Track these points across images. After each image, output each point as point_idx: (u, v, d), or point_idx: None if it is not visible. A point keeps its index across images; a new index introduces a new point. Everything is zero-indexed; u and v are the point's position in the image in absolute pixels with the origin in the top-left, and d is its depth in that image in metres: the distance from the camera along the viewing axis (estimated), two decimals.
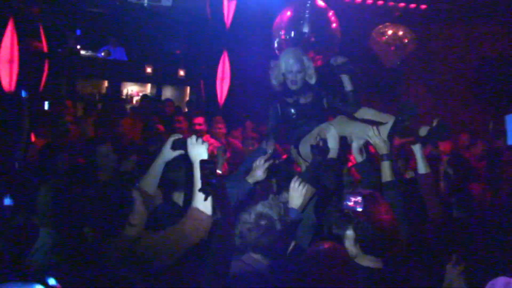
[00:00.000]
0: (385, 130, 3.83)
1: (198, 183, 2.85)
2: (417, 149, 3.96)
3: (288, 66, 4.49)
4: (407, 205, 3.41)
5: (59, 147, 4.95)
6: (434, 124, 3.92)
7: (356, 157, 3.86)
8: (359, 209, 2.53)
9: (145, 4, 7.00)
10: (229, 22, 8.76)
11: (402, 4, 8.48)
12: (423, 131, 4.00)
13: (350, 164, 4.49)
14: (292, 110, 4.63)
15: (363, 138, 3.88)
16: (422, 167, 3.98)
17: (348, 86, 4.42)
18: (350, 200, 2.56)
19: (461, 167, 4.81)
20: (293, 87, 4.56)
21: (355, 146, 3.89)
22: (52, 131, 6.23)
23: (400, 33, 8.80)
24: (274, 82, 4.64)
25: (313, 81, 4.62)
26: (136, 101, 11.42)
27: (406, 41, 8.80)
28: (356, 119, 4.29)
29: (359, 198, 2.54)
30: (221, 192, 2.86)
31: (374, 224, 2.50)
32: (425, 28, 9.47)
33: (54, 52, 9.15)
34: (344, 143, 4.18)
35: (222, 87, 8.78)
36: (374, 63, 9.44)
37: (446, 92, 10.18)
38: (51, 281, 2.10)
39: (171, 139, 3.17)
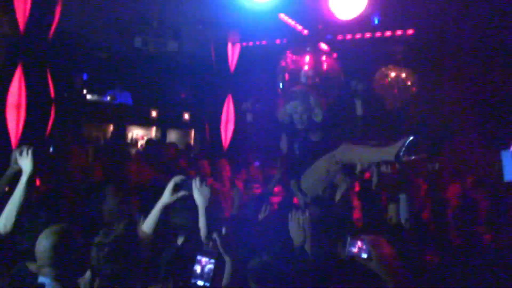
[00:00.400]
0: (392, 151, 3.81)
1: (203, 228, 2.84)
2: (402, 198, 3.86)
3: (295, 106, 4.58)
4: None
5: (63, 192, 4.94)
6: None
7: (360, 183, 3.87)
8: (364, 255, 2.48)
9: (151, 49, 7.12)
10: (234, 66, 8.88)
11: (404, 47, 8.58)
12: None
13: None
14: (299, 147, 4.70)
15: (368, 162, 3.89)
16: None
17: (359, 110, 4.51)
18: (354, 246, 2.51)
19: (469, 214, 4.78)
20: (300, 126, 4.64)
21: (359, 170, 3.89)
22: (57, 176, 6.23)
23: (403, 75, 8.88)
24: (282, 121, 4.74)
25: (319, 119, 4.68)
26: (141, 144, 11.46)
27: (409, 83, 8.86)
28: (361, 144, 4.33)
29: (363, 243, 2.50)
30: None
31: (381, 270, 2.45)
32: (427, 70, 9.55)
33: (60, 96, 9.24)
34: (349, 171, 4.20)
35: (227, 130, 8.83)
36: (377, 103, 9.48)
37: (451, 133, 10.17)
38: None
39: (173, 182, 3.18)
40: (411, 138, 3.80)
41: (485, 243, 5.01)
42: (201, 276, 2.67)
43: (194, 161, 8.17)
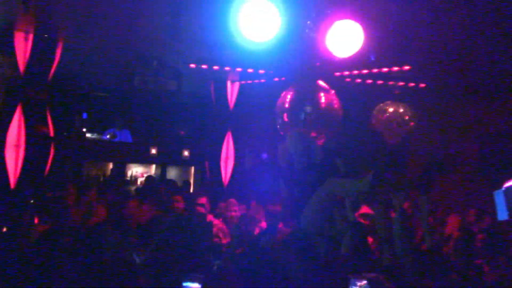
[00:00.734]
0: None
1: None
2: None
3: (294, 148, 4.66)
4: None
5: (61, 232, 4.91)
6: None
7: (349, 214, 3.92)
8: None
9: (150, 88, 7.19)
10: (233, 104, 8.94)
11: (401, 83, 8.65)
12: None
13: None
14: (296, 188, 4.76)
15: (347, 193, 3.99)
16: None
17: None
18: (355, 285, 2.51)
19: (469, 245, 4.76)
20: (299, 167, 4.67)
21: (348, 203, 3.96)
22: (55, 215, 6.20)
23: (401, 110, 8.92)
24: (281, 162, 4.81)
25: (318, 160, 4.73)
26: (141, 182, 11.45)
27: (407, 118, 8.90)
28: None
29: (364, 282, 2.49)
30: None
31: None
32: (424, 105, 9.62)
33: (60, 135, 9.29)
34: None
35: (227, 167, 8.82)
36: (376, 140, 9.51)
37: (450, 167, 10.19)
38: None
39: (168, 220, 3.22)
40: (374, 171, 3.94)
41: (484, 274, 4.97)
42: None
43: (194, 198, 8.13)
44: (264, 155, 8.47)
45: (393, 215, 4.50)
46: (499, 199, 2.80)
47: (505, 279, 4.82)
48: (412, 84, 8.70)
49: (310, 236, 4.22)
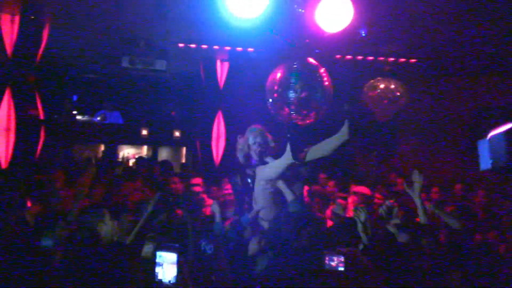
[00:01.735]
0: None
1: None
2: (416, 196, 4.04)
3: (253, 140, 5.05)
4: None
5: (54, 215, 4.90)
6: None
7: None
8: (341, 269, 2.50)
9: (139, 69, 7.14)
10: (223, 83, 8.91)
11: (391, 59, 8.64)
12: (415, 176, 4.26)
13: None
14: (250, 180, 5.16)
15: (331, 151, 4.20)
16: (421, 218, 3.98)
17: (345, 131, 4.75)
18: (332, 260, 2.53)
19: (467, 219, 4.82)
20: (256, 159, 4.99)
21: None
22: (46, 198, 6.19)
23: (392, 86, 8.92)
24: (239, 155, 5.18)
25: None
26: (132, 163, 11.44)
27: (398, 94, 8.90)
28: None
29: (340, 258, 2.52)
30: None
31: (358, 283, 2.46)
32: (415, 81, 9.62)
33: (50, 118, 9.24)
34: None
35: (218, 147, 8.82)
36: (367, 118, 9.54)
37: (440, 144, 10.24)
38: None
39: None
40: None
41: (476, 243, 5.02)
42: (164, 272, 2.70)
43: (186, 178, 8.14)
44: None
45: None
46: (483, 148, 2.82)
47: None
48: (402, 60, 8.70)
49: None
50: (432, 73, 9.78)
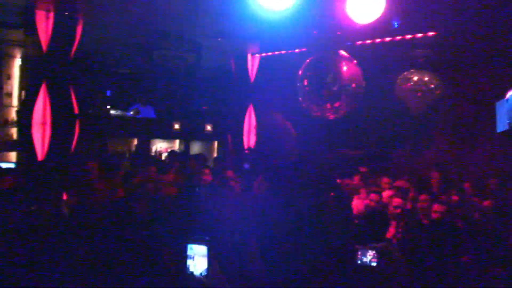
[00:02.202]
0: None
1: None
2: None
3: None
4: None
5: (89, 206, 5.00)
6: None
7: None
8: (374, 264, 2.47)
9: (171, 63, 7.19)
10: (254, 76, 8.91)
11: (425, 50, 8.47)
12: None
13: None
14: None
15: None
16: None
17: None
18: (365, 255, 2.51)
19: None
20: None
21: None
22: (82, 190, 6.30)
23: (426, 78, 8.77)
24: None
25: None
26: (165, 157, 11.55)
27: (432, 86, 8.75)
28: None
29: (373, 253, 2.49)
30: None
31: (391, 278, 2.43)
32: (450, 73, 9.42)
33: (85, 113, 9.39)
34: None
35: (249, 140, 8.83)
36: (400, 110, 9.42)
37: (474, 137, 10.02)
38: None
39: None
40: None
41: None
42: (195, 265, 2.70)
43: (219, 171, 8.21)
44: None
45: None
46: (501, 110, 2.72)
47: None
48: (437, 51, 8.52)
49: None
50: (468, 64, 9.56)
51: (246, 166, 5.27)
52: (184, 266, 2.80)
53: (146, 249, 3.21)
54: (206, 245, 2.78)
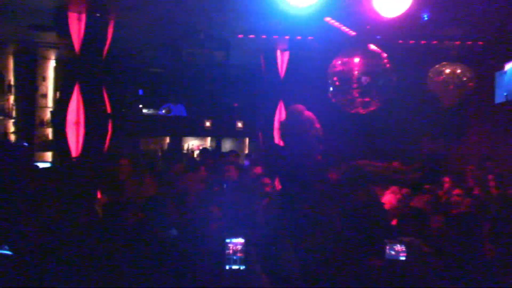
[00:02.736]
0: None
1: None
2: None
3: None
4: None
5: (121, 204, 5.07)
6: None
7: None
8: (403, 258, 2.45)
9: (199, 61, 7.24)
10: (283, 73, 8.90)
11: (457, 42, 8.32)
12: None
13: None
14: None
15: None
16: None
17: None
18: (393, 249, 2.49)
19: None
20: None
21: None
22: (115, 189, 6.40)
23: (458, 71, 8.63)
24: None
25: None
26: (197, 155, 11.66)
27: (465, 79, 8.60)
28: None
29: (401, 247, 2.47)
30: None
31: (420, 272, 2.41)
32: (483, 65, 9.23)
33: (117, 112, 9.55)
34: None
35: (279, 136, 8.82)
36: (432, 104, 9.29)
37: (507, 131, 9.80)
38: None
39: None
40: None
41: None
42: (234, 259, 2.70)
43: (249, 167, 8.25)
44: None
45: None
46: (500, 81, 2.67)
47: None
48: (469, 43, 8.36)
49: None
50: (500, 56, 9.35)
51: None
52: (222, 262, 2.81)
53: (180, 248, 3.23)
54: (244, 238, 2.79)
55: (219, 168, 7.93)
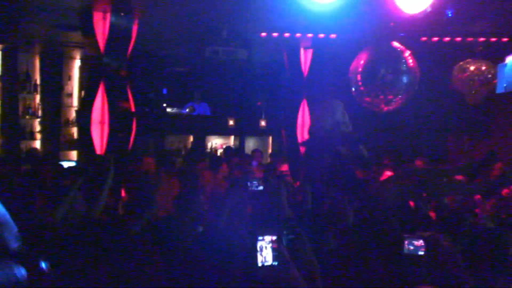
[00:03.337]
0: None
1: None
2: None
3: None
4: None
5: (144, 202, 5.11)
6: None
7: None
8: (421, 253, 2.43)
9: (222, 59, 7.26)
10: (307, 70, 8.89)
11: (482, 39, 8.21)
12: None
13: None
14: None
15: None
16: None
17: None
18: (412, 244, 2.47)
19: None
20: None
21: None
22: (139, 188, 6.47)
23: (483, 68, 8.52)
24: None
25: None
26: (220, 153, 11.72)
27: (490, 76, 8.48)
28: None
29: (420, 242, 2.45)
30: None
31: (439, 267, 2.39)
32: None
33: (141, 111, 9.65)
34: None
35: (303, 134, 8.82)
36: (457, 101, 9.19)
37: None
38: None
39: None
40: None
41: None
42: (266, 255, 2.70)
43: (274, 165, 8.30)
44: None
45: None
46: (501, 72, 2.65)
47: None
48: (494, 39, 8.25)
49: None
50: None
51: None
52: (254, 258, 2.80)
53: (210, 245, 3.24)
54: (275, 235, 2.78)
55: (243, 166, 7.97)
